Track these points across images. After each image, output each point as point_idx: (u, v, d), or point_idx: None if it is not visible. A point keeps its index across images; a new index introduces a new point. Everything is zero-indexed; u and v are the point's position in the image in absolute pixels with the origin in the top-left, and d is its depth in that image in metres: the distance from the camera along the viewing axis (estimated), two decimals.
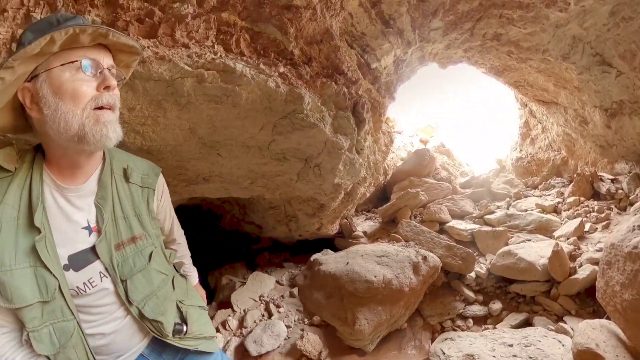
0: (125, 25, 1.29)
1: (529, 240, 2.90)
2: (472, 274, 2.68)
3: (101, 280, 0.84)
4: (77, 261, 0.81)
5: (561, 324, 2.10)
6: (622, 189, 3.21)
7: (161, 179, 1.04)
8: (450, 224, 3.33)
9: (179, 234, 1.22)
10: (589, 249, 2.59)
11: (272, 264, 3.57)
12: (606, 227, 2.88)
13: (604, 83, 2.87)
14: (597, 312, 2.13)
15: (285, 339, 2.33)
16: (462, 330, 2.33)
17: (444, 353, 1.95)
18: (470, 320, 2.42)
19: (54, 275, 0.76)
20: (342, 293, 2.41)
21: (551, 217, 3.19)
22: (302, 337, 2.26)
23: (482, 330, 2.27)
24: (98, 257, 0.83)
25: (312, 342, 2.25)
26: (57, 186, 0.81)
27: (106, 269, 0.84)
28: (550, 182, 4.09)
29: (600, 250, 2.47)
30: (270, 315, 2.63)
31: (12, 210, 0.75)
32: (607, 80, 2.83)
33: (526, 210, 3.42)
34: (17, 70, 0.71)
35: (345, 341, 2.30)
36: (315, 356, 2.19)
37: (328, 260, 2.77)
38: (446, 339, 2.10)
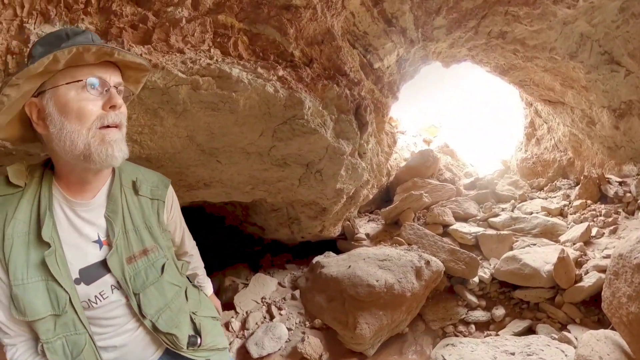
0: (119, 32, 1.26)
1: (534, 244, 2.86)
2: (476, 279, 2.65)
3: (112, 293, 0.84)
4: (88, 275, 0.81)
5: (565, 332, 2.07)
6: (630, 192, 3.14)
7: (171, 191, 1.03)
8: (454, 226, 3.29)
9: (191, 246, 1.20)
10: (596, 256, 2.54)
11: (275, 266, 3.57)
12: (613, 232, 2.83)
13: (612, 82, 2.79)
14: (602, 321, 2.09)
15: (286, 342, 2.34)
16: (464, 336, 2.31)
17: (444, 359, 1.93)
18: (473, 326, 2.40)
19: (64, 289, 0.77)
20: (344, 297, 2.39)
21: (557, 220, 3.14)
22: (303, 340, 2.27)
23: (484, 337, 2.24)
24: (109, 271, 0.83)
25: (313, 345, 2.26)
26: (67, 201, 0.82)
27: (118, 282, 0.84)
28: (556, 184, 4.02)
29: (607, 257, 2.42)
30: (272, 317, 2.64)
31: (23, 226, 0.76)
32: (616, 79, 2.76)
33: (531, 213, 3.37)
34: (23, 87, 0.71)
35: (346, 345, 2.29)
36: (316, 359, 2.19)
37: (330, 263, 2.76)
38: (448, 345, 2.08)
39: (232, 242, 4.07)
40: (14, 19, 1.13)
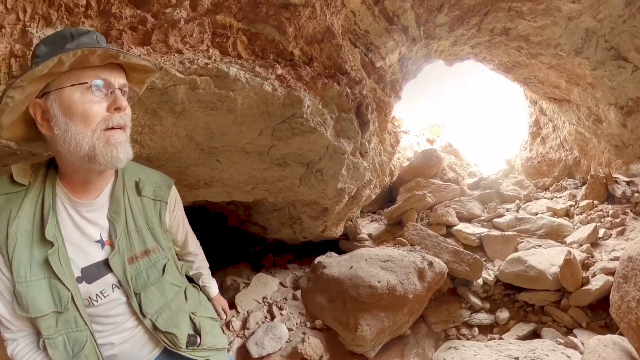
0: (119, 34, 1.27)
1: (540, 246, 2.81)
2: (480, 281, 2.61)
3: (113, 291, 0.85)
4: (90, 274, 0.82)
5: (571, 337, 2.02)
6: (638, 191, 3.07)
7: (174, 191, 1.03)
8: (457, 227, 3.25)
9: (195, 246, 1.21)
10: (603, 258, 2.49)
11: (277, 266, 3.56)
12: (621, 233, 2.77)
13: (619, 79, 2.73)
14: (610, 326, 2.04)
15: (286, 342, 2.33)
16: (467, 339, 2.28)
17: None
18: (476, 329, 2.36)
19: (67, 287, 0.78)
20: (345, 297, 2.38)
21: (563, 221, 3.08)
22: (303, 340, 2.26)
23: (488, 340, 2.21)
24: (111, 270, 0.84)
25: (313, 346, 2.24)
26: (70, 200, 0.82)
27: (119, 281, 0.86)
28: (561, 184, 3.95)
29: (614, 259, 2.37)
30: (272, 317, 2.63)
31: (27, 224, 0.77)
32: (623, 75, 2.69)
33: (537, 214, 3.32)
34: (27, 89, 0.72)
35: (346, 346, 2.27)
36: None
37: (332, 264, 2.74)
38: (450, 348, 2.05)
39: (234, 241, 4.07)
40: (17, 23, 1.16)
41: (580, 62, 2.75)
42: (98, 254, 0.84)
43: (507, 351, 1.90)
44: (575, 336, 2.05)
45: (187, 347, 0.97)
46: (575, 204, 3.39)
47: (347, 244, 3.47)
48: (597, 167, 3.70)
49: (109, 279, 0.84)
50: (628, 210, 2.98)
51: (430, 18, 2.47)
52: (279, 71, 1.64)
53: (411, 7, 2.32)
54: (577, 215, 3.21)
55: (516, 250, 2.81)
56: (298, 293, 2.86)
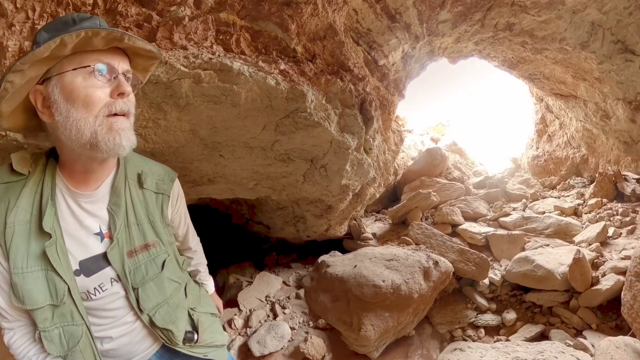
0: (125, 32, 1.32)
1: (547, 245, 2.76)
2: (486, 281, 2.56)
3: (111, 285, 0.84)
4: (88, 267, 0.81)
5: (580, 339, 1.97)
6: None
7: (177, 185, 1.02)
8: (463, 226, 3.21)
9: (195, 242, 1.19)
10: (613, 257, 2.43)
11: (280, 265, 3.55)
12: (631, 232, 2.71)
13: (627, 73, 2.66)
14: (621, 327, 1.99)
15: (289, 341, 2.31)
16: (473, 340, 2.23)
17: None
18: (482, 330, 2.32)
19: (63, 280, 0.76)
20: (349, 297, 2.35)
21: (571, 220, 3.03)
22: (305, 340, 2.24)
23: (494, 342, 2.16)
24: (109, 264, 0.83)
25: (316, 345, 2.22)
26: (70, 191, 0.81)
27: (118, 275, 0.84)
28: (569, 182, 3.89)
29: (625, 258, 2.31)
30: (275, 316, 2.61)
31: (25, 214, 0.76)
32: (631, 69, 2.63)
33: (544, 213, 3.26)
34: (28, 73, 0.69)
35: (349, 346, 2.24)
36: None
37: (335, 263, 2.71)
38: (455, 349, 2.00)
39: (238, 240, 4.06)
40: (26, 21, 1.19)
41: (587, 56, 2.69)
42: (97, 247, 0.82)
43: (514, 353, 1.85)
44: (585, 338, 2.00)
45: (183, 343, 0.95)
46: (584, 202, 3.33)
47: (351, 243, 3.44)
48: (605, 164, 3.63)
49: (107, 272, 0.83)
50: (638, 209, 2.92)
51: (432, 15, 2.45)
52: (282, 66, 1.66)
53: (413, 4, 2.31)
54: (585, 214, 3.15)
55: (523, 249, 2.76)
56: (301, 292, 2.84)
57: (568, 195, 3.62)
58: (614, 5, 2.33)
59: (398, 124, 3.74)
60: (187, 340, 0.96)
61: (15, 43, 1.17)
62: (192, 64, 1.42)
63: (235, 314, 2.60)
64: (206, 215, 3.93)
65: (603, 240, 2.66)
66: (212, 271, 1.31)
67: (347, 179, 2.47)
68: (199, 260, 1.22)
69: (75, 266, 0.79)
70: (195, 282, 1.17)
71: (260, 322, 2.51)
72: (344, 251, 3.15)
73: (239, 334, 2.41)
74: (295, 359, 2.16)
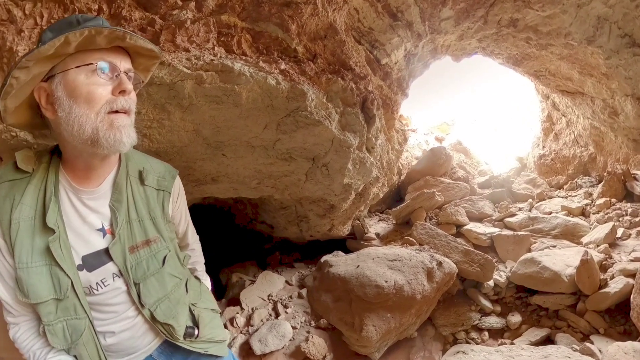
0: None
1: (554, 246, 2.71)
2: (490, 283, 2.53)
3: (113, 280, 0.86)
4: (91, 262, 0.83)
5: (587, 344, 1.92)
6: None
7: (177, 182, 1.03)
8: (467, 227, 3.17)
9: (194, 240, 1.20)
10: (622, 259, 2.38)
11: (283, 264, 3.55)
12: None
13: (635, 68, 2.60)
14: (630, 332, 1.94)
15: (290, 340, 2.32)
16: (477, 343, 2.20)
17: None
18: (486, 333, 2.28)
19: (67, 275, 0.78)
20: (351, 297, 2.33)
21: (579, 220, 2.97)
22: (307, 339, 2.24)
23: (498, 345, 2.13)
24: (111, 259, 0.84)
25: (317, 345, 2.21)
26: (73, 188, 0.83)
27: (119, 270, 0.86)
28: (576, 182, 3.82)
29: (635, 260, 2.26)
30: (277, 315, 2.61)
31: (30, 210, 0.78)
32: (639, 64, 2.57)
33: (550, 213, 3.21)
34: (33, 70, 0.71)
35: (351, 347, 2.23)
36: None
37: (338, 263, 2.70)
38: (458, 352, 1.98)
39: (241, 239, 4.07)
40: (35, 27, 1.25)
41: (593, 51, 2.63)
42: (99, 242, 0.84)
43: (518, 357, 1.82)
44: (592, 343, 1.95)
45: (184, 338, 0.96)
46: (592, 202, 3.26)
47: (354, 243, 3.43)
48: (614, 163, 3.55)
49: (109, 267, 0.84)
50: None
51: (434, 12, 2.44)
52: (283, 66, 1.68)
53: (415, 1, 2.30)
54: (593, 214, 3.09)
55: (529, 250, 2.72)
56: (304, 292, 2.84)
57: (575, 195, 3.55)
58: None
59: (402, 123, 3.71)
60: (188, 335, 0.97)
61: (25, 48, 1.22)
62: (195, 66, 1.45)
63: (238, 313, 2.61)
64: (210, 215, 3.95)
65: (612, 242, 2.61)
66: (216, 269, 1.31)
67: (349, 178, 2.46)
68: (197, 258, 1.23)
69: (78, 261, 0.81)
70: (196, 277, 1.18)
71: (262, 320, 2.52)
72: (347, 251, 3.14)
73: (241, 332, 2.43)
74: (296, 358, 2.16)
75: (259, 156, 2.10)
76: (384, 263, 2.50)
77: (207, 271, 1.31)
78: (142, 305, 0.88)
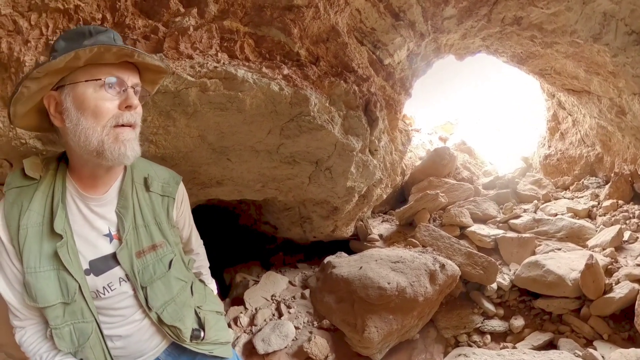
0: (133, 44, 1.36)
1: (559, 249, 2.69)
2: (494, 285, 2.52)
3: (120, 285, 0.87)
4: (98, 266, 0.84)
5: (590, 349, 1.91)
6: None
7: (181, 188, 1.05)
8: (471, 228, 3.16)
9: (198, 244, 1.22)
10: (629, 263, 2.36)
11: (286, 265, 3.58)
12: None
13: None
14: (634, 339, 1.92)
15: (293, 340, 2.34)
16: (479, 346, 2.21)
17: None
18: (488, 336, 2.29)
19: (74, 279, 0.80)
20: (354, 298, 2.35)
21: (584, 223, 2.94)
22: (309, 339, 2.26)
23: (500, 348, 2.13)
24: (118, 264, 0.86)
25: (319, 345, 2.24)
26: (80, 194, 0.85)
27: (127, 275, 0.88)
28: (583, 183, 3.76)
29: None
30: (280, 315, 2.64)
31: (38, 217, 0.79)
32: None
33: (556, 215, 3.18)
34: (43, 81, 0.75)
35: (353, 348, 2.25)
36: None
37: (341, 264, 2.71)
38: (460, 355, 1.99)
39: (245, 240, 4.11)
40: (41, 37, 1.27)
41: (600, 49, 2.57)
42: (106, 247, 0.86)
43: None
44: (596, 349, 1.94)
45: (190, 340, 0.98)
46: (598, 204, 3.22)
47: (357, 244, 3.43)
48: (621, 163, 3.48)
49: (116, 272, 0.86)
50: None
51: (437, 11, 2.41)
52: (285, 71, 1.69)
53: (417, 1, 2.28)
54: (600, 216, 3.05)
55: (533, 253, 2.70)
56: (307, 292, 2.86)
57: (582, 197, 3.51)
58: None
59: (405, 123, 3.69)
60: (194, 337, 0.99)
61: (32, 58, 1.24)
62: (198, 73, 1.47)
63: (241, 312, 2.65)
64: (215, 215, 3.98)
65: (618, 245, 2.58)
66: (220, 269, 1.33)
67: (353, 181, 2.47)
68: (201, 262, 1.25)
69: (85, 265, 0.83)
70: (201, 280, 1.20)
71: (265, 320, 2.55)
72: (350, 252, 3.15)
73: (245, 332, 2.46)
74: (298, 358, 2.19)
75: (263, 160, 2.11)
76: (386, 265, 2.50)
77: (211, 270, 1.33)
78: (149, 309, 0.90)
